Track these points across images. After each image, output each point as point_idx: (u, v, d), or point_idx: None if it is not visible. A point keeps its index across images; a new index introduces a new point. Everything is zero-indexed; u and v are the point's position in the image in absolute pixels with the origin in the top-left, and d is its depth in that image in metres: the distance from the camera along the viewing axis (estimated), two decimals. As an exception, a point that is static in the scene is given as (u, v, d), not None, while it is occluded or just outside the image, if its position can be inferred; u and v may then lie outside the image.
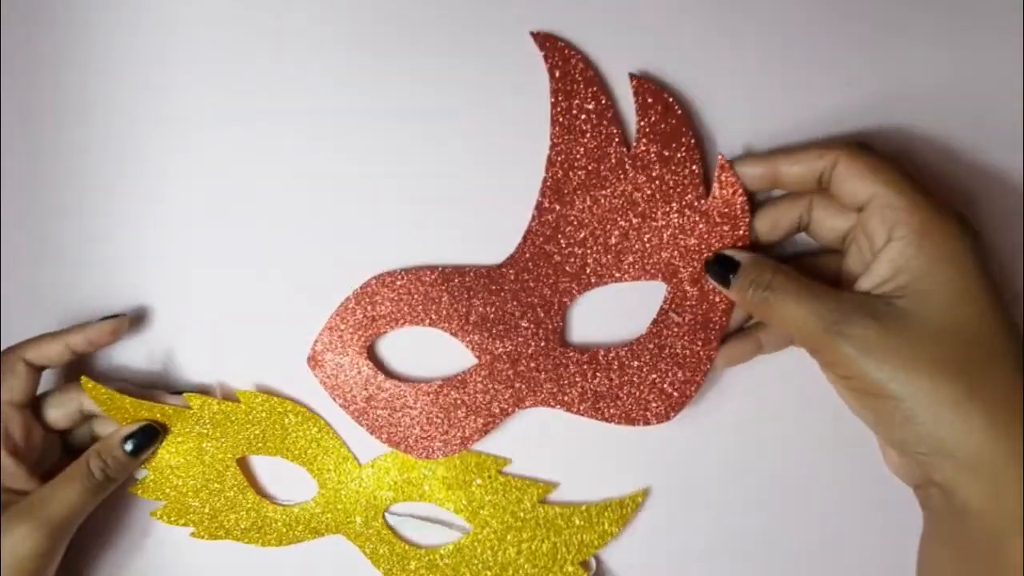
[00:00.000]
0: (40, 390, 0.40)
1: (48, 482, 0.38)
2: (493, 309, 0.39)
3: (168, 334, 0.42)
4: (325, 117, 0.40)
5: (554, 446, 0.40)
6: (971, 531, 0.32)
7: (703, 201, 0.37)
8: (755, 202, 0.37)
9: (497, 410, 0.39)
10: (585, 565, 0.39)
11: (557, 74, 0.38)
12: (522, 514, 0.39)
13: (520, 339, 0.39)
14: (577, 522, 0.39)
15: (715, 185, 0.36)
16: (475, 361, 0.39)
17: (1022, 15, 0.36)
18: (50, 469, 0.40)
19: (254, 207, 0.41)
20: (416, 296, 0.39)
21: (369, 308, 0.39)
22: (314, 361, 0.40)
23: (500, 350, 0.39)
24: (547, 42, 0.38)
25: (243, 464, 0.41)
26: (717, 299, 0.37)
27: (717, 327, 0.37)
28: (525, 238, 0.38)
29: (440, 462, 0.39)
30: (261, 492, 0.41)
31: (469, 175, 0.40)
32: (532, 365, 0.38)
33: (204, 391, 0.41)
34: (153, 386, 0.41)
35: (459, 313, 0.39)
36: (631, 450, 0.40)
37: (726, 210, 0.36)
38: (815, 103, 0.37)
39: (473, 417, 0.39)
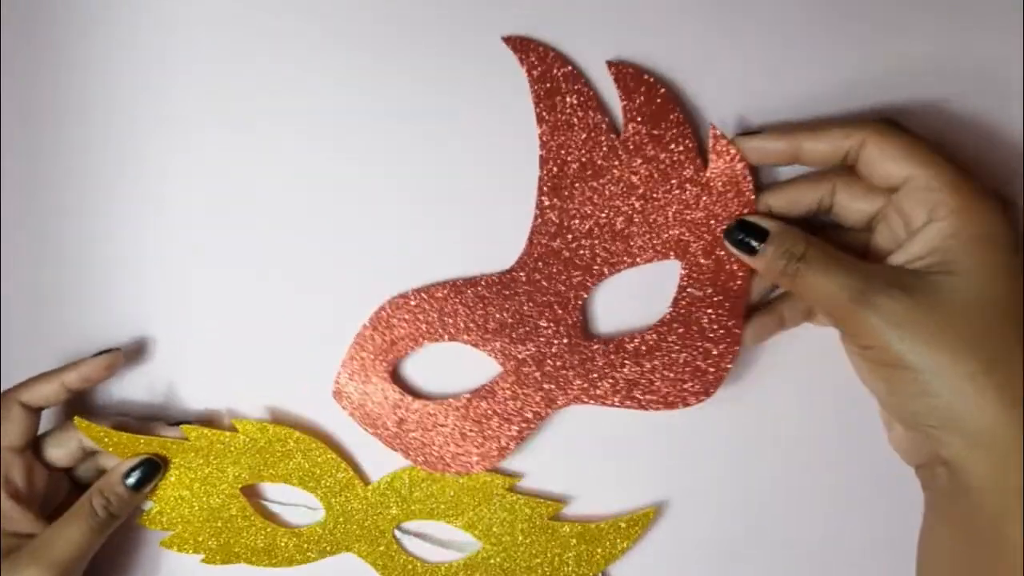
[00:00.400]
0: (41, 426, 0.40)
1: (53, 523, 0.38)
2: (510, 314, 0.38)
3: (169, 363, 0.41)
4: (328, 117, 0.40)
5: (564, 454, 0.40)
6: (973, 511, 0.31)
7: (702, 174, 0.36)
8: (761, 177, 0.37)
9: (530, 415, 0.38)
10: None
11: (536, 74, 0.38)
12: (533, 531, 0.39)
13: (542, 339, 0.38)
14: (588, 539, 0.39)
15: (711, 156, 0.36)
16: (500, 369, 0.39)
17: (1022, 15, 0.36)
18: (59, 506, 0.39)
19: (257, 217, 0.41)
20: (431, 313, 0.39)
21: (386, 333, 0.39)
22: (339, 394, 0.39)
23: (524, 354, 0.38)
24: (520, 44, 0.38)
25: (249, 490, 0.41)
26: (734, 267, 0.36)
27: (739, 295, 0.36)
28: (531, 238, 0.38)
29: (449, 481, 0.39)
30: (269, 516, 0.41)
31: (470, 175, 0.39)
32: (558, 364, 0.38)
33: (211, 419, 0.41)
34: (154, 415, 0.41)
35: (476, 324, 0.38)
36: (640, 458, 0.40)
37: (727, 179, 0.36)
38: (803, 77, 0.37)
39: (507, 425, 0.38)
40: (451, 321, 0.39)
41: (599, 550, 0.38)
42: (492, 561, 0.39)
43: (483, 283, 0.39)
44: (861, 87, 0.37)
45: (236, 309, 0.41)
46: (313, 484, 0.40)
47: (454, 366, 0.39)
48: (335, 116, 0.40)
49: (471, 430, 0.39)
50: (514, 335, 0.38)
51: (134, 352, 0.41)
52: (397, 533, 0.40)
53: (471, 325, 0.38)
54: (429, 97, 0.39)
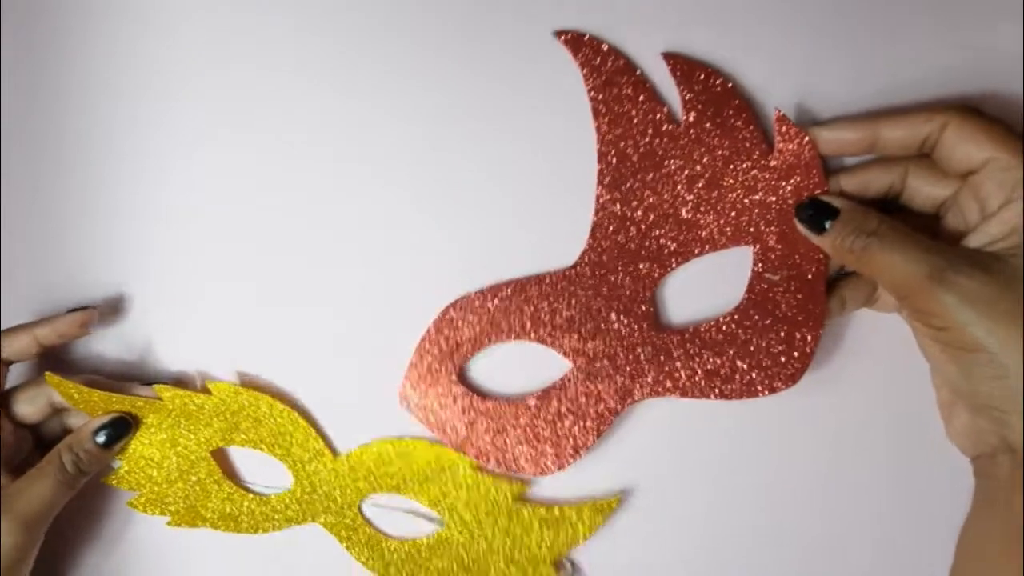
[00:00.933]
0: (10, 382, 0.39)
1: (21, 476, 0.37)
2: (577, 310, 0.38)
3: (146, 322, 0.41)
4: (315, 105, 0.40)
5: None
6: None
7: (769, 157, 0.36)
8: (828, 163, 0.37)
9: (605, 411, 0.38)
10: (559, 566, 0.39)
11: (590, 68, 0.37)
12: (496, 512, 0.39)
13: (612, 333, 0.37)
14: (551, 523, 0.39)
15: (777, 139, 0.36)
16: (570, 365, 0.38)
17: (1022, 15, 0.36)
18: (22, 462, 0.39)
19: (236, 193, 0.40)
20: (497, 313, 0.38)
21: (451, 335, 0.38)
22: (406, 400, 0.38)
23: (595, 349, 0.38)
24: (573, 40, 0.38)
25: (219, 454, 0.41)
26: (810, 249, 0.36)
27: (818, 276, 0.36)
28: (593, 232, 0.38)
29: (415, 456, 0.39)
30: (237, 481, 0.41)
31: (514, 168, 0.39)
32: (631, 357, 0.37)
33: (184, 381, 0.41)
34: (130, 376, 0.41)
35: (543, 321, 0.38)
36: (610, 448, 0.39)
37: (795, 160, 0.36)
38: (851, 68, 0.37)
39: (581, 423, 0.38)
40: (517, 320, 0.38)
41: (561, 535, 0.38)
42: (455, 538, 0.39)
43: (547, 280, 0.38)
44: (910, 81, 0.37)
45: (215, 273, 0.41)
46: (283, 452, 0.40)
47: (522, 365, 0.38)
48: (357, 108, 0.39)
49: (544, 429, 0.38)
50: (583, 330, 0.38)
51: (110, 311, 0.41)
52: (365, 504, 0.40)
53: (538, 323, 0.38)
54: (469, 89, 0.39)
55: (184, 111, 0.40)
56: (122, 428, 0.38)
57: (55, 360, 0.41)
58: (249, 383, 0.41)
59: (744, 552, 0.39)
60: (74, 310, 0.39)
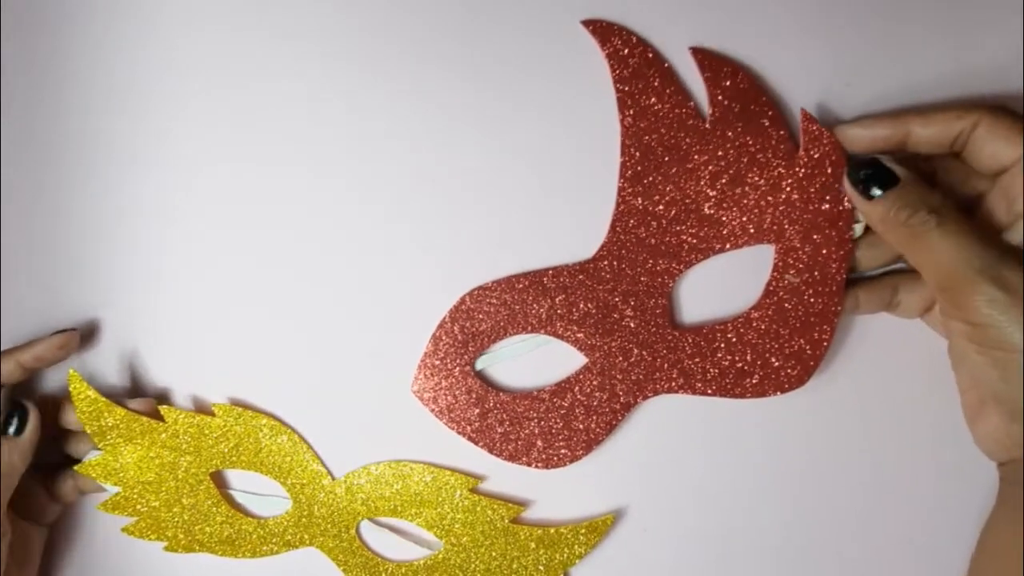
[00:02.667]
0: None
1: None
2: (594, 304, 0.37)
3: (140, 346, 0.41)
4: (325, 96, 0.39)
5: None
6: None
7: (795, 155, 0.36)
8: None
9: (618, 405, 0.37)
10: None
11: (618, 59, 0.37)
12: (493, 533, 0.39)
13: (628, 329, 0.37)
14: (547, 543, 0.38)
15: (803, 137, 0.35)
16: (584, 360, 0.38)
17: (1022, 15, 0.36)
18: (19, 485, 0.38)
19: (228, 214, 0.40)
20: (514, 305, 0.38)
21: (467, 326, 0.38)
22: (419, 389, 0.38)
23: (610, 344, 0.37)
24: (601, 28, 0.37)
25: (217, 477, 0.40)
26: (831, 251, 0.35)
27: (837, 279, 0.35)
28: (613, 226, 0.37)
29: (412, 479, 0.39)
30: (235, 505, 0.40)
31: (534, 161, 0.39)
32: (646, 353, 0.37)
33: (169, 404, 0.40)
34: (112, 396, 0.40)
35: (559, 314, 0.37)
36: (605, 466, 0.39)
37: (821, 159, 0.35)
38: (881, 68, 0.37)
39: (594, 417, 0.37)
40: (534, 312, 0.38)
41: (558, 555, 0.38)
42: (452, 561, 0.39)
43: (565, 273, 0.38)
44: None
45: (207, 291, 0.40)
46: (282, 475, 0.40)
47: (539, 358, 0.38)
48: (373, 96, 0.39)
49: (558, 422, 0.38)
50: (599, 325, 0.37)
51: (91, 334, 0.41)
52: (365, 526, 0.40)
53: (554, 316, 0.38)
54: (491, 77, 0.38)
55: (184, 129, 0.40)
56: (22, 413, 0.37)
57: (38, 385, 0.41)
58: (245, 405, 0.40)
59: (741, 563, 0.39)
60: (56, 333, 0.39)
